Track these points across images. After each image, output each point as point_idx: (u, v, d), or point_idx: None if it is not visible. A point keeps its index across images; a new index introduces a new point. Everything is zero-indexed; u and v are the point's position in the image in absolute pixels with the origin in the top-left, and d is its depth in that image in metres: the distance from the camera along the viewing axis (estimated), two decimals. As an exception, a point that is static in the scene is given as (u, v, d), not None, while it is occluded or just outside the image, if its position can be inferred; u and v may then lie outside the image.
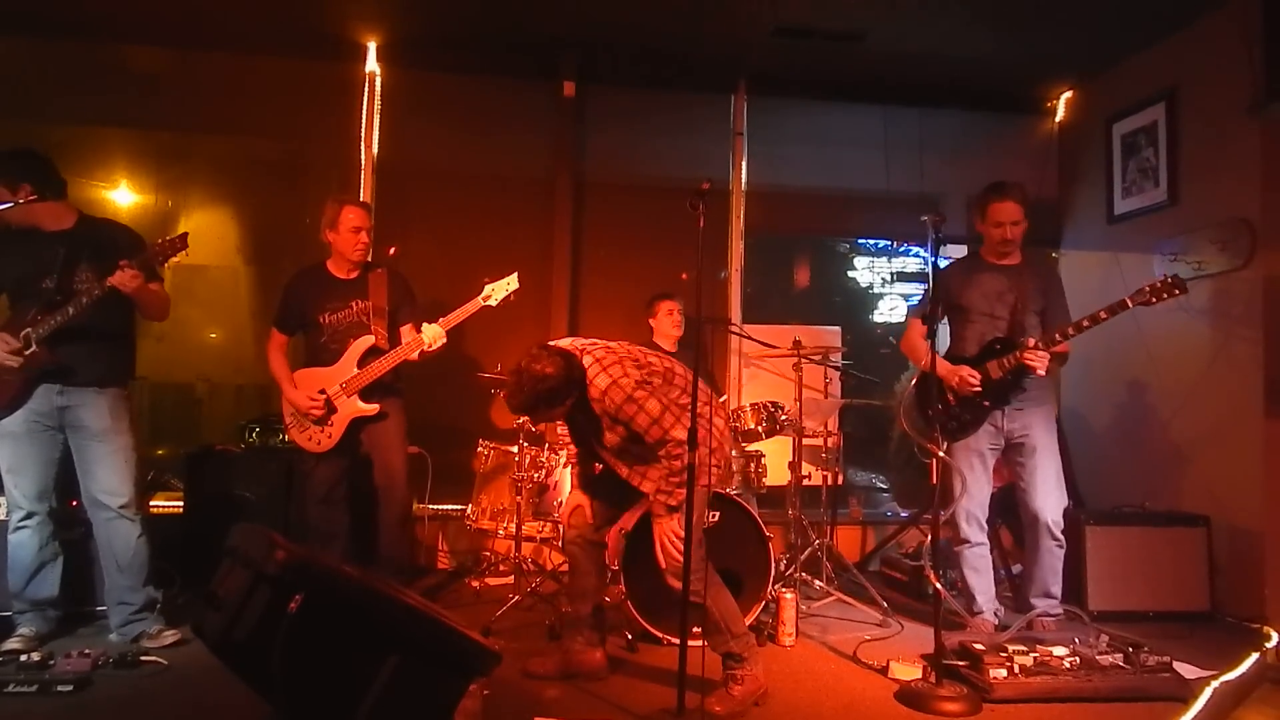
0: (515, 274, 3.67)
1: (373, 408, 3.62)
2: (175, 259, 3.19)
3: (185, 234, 3.20)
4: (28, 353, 3.05)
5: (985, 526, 3.69)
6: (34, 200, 3.08)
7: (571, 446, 3.15)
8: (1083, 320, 3.41)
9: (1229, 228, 4.18)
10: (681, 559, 2.63)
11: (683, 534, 2.66)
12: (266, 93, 4.95)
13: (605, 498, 3.09)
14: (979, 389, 3.56)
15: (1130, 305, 3.35)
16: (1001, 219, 3.61)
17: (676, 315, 4.50)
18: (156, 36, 4.80)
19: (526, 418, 2.92)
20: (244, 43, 4.85)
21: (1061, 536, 3.61)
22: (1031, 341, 3.44)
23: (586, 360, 2.78)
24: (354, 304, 3.69)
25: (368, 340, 3.63)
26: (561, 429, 3.15)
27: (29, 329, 3.06)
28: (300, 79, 4.98)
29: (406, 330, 3.72)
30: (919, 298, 3.71)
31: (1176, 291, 3.31)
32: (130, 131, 4.99)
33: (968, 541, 3.67)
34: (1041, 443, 3.60)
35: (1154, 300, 3.34)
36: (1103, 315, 3.37)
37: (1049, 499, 3.59)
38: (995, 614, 3.70)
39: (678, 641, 2.67)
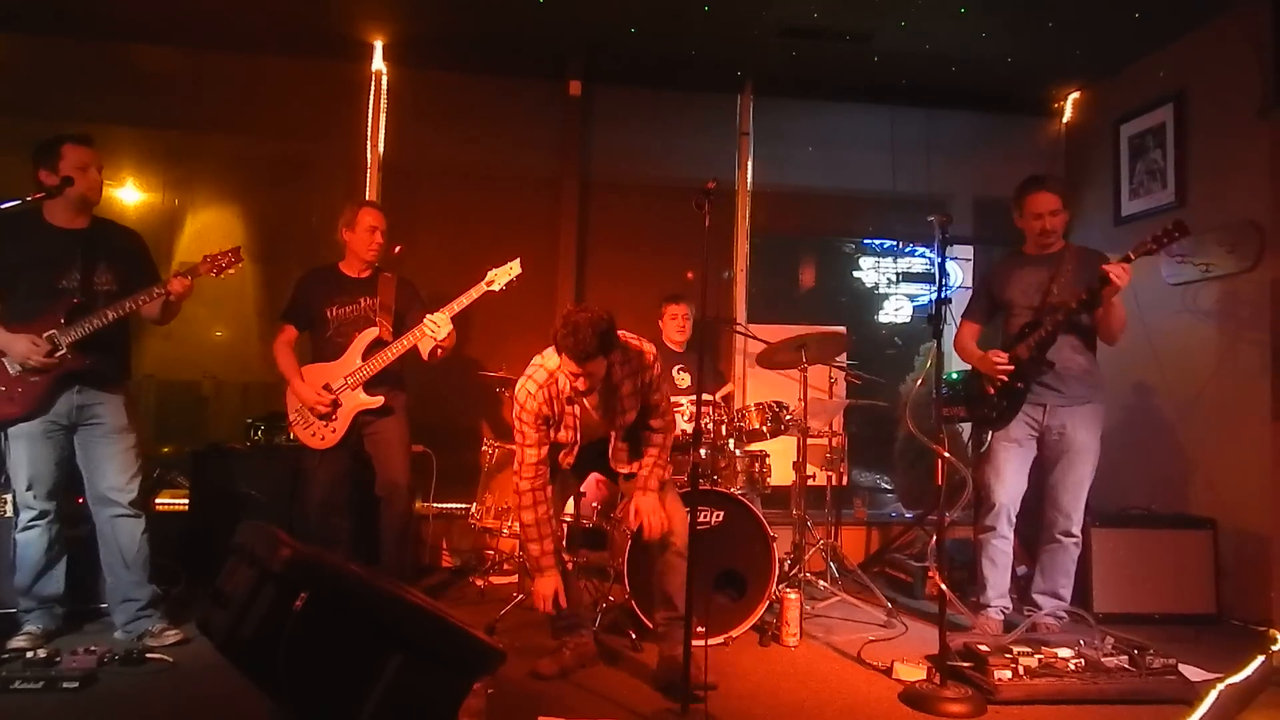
0: (518, 259, 3.71)
1: (377, 400, 3.64)
2: (231, 270, 3.34)
3: (239, 248, 3.34)
4: (58, 355, 3.05)
5: (1013, 521, 3.68)
6: (43, 197, 3.07)
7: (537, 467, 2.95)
8: (1106, 265, 3.34)
9: (1237, 230, 4.17)
10: (662, 528, 2.85)
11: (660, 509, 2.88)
12: (273, 92, 4.96)
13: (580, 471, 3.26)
14: (1009, 367, 3.53)
15: (1133, 258, 3.30)
16: (1040, 209, 3.60)
17: (680, 320, 4.51)
18: (164, 36, 4.81)
19: (581, 373, 2.75)
20: (251, 42, 4.86)
21: (1079, 535, 3.62)
22: (1114, 260, 3.34)
23: (621, 333, 2.90)
24: (362, 300, 3.73)
25: (372, 332, 3.67)
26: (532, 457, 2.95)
27: (54, 331, 3.05)
28: (307, 78, 4.99)
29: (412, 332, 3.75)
30: (955, 299, 3.76)
31: (1177, 235, 3.28)
32: (137, 130, 4.99)
33: (993, 529, 3.66)
34: (1078, 443, 3.56)
35: (1156, 248, 3.31)
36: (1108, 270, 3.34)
37: (1076, 500, 3.58)
38: (1002, 611, 3.69)
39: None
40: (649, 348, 2.99)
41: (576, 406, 2.93)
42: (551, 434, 2.96)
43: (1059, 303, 3.47)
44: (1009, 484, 3.64)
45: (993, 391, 3.64)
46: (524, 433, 2.88)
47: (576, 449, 3.03)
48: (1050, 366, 3.53)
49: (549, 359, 2.90)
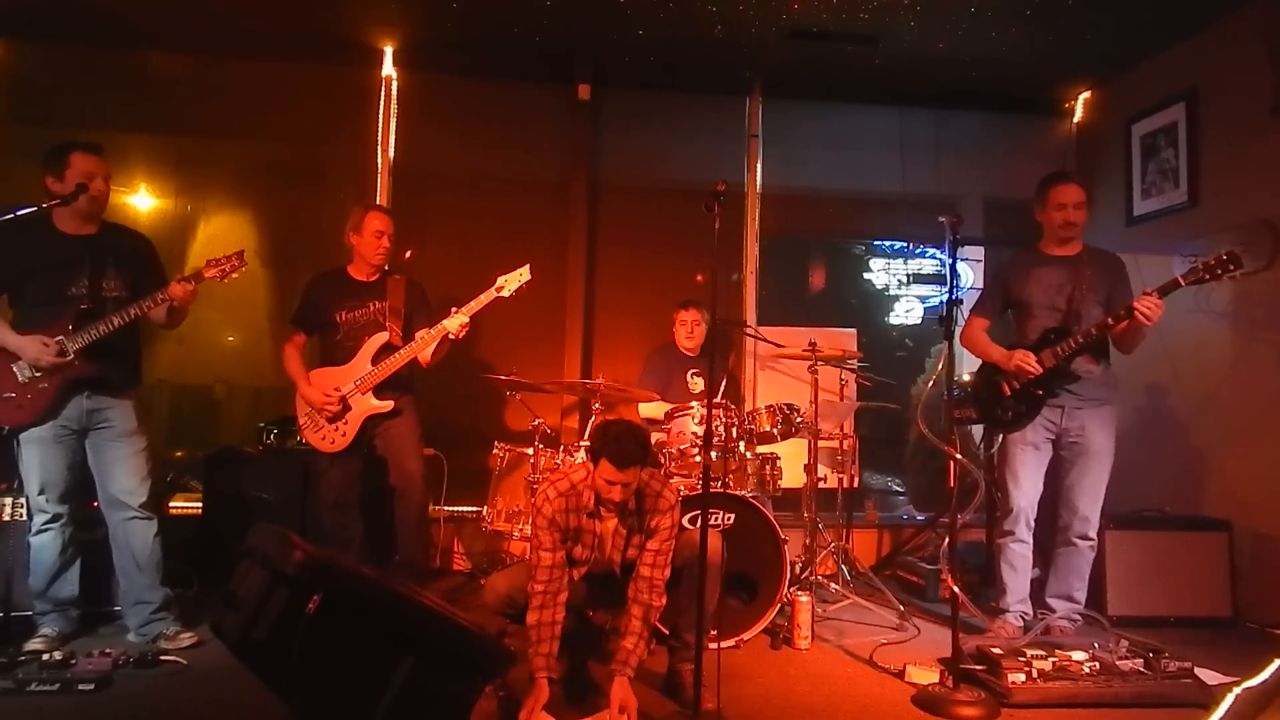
0: (527, 265, 3.74)
1: (387, 404, 3.66)
2: (234, 275, 3.31)
3: (242, 251, 3.32)
4: (65, 360, 3.07)
5: (1031, 525, 3.66)
6: (57, 203, 3.08)
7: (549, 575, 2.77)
8: (1135, 301, 3.30)
9: (1250, 229, 4.13)
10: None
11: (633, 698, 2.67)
12: (284, 98, 4.99)
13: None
14: (1038, 371, 3.50)
15: (1183, 284, 3.24)
16: (1064, 200, 3.59)
17: (689, 326, 4.51)
18: (176, 43, 4.86)
19: (619, 481, 2.68)
20: (262, 48, 4.89)
21: (1095, 537, 3.61)
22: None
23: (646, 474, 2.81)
24: (371, 304, 3.75)
25: (382, 337, 3.68)
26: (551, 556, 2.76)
27: (62, 337, 3.07)
28: (318, 84, 5.02)
29: (421, 335, 3.76)
30: (972, 297, 3.75)
31: (1232, 268, 3.15)
32: (150, 136, 5.04)
33: (1012, 534, 3.64)
34: (1096, 445, 3.56)
35: (1208, 277, 3.20)
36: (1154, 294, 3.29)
37: (1094, 502, 3.58)
38: (1021, 616, 3.67)
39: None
40: (671, 494, 2.84)
41: (596, 524, 2.82)
42: (569, 546, 2.82)
43: (1096, 325, 3.42)
44: (1027, 488, 3.61)
45: (1009, 392, 3.61)
46: (539, 537, 2.78)
47: (586, 569, 2.89)
48: (1076, 379, 3.52)
49: (574, 472, 2.84)
